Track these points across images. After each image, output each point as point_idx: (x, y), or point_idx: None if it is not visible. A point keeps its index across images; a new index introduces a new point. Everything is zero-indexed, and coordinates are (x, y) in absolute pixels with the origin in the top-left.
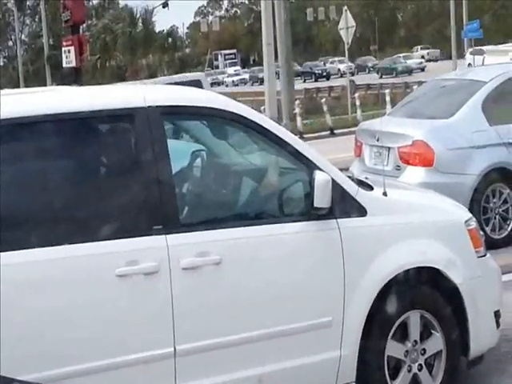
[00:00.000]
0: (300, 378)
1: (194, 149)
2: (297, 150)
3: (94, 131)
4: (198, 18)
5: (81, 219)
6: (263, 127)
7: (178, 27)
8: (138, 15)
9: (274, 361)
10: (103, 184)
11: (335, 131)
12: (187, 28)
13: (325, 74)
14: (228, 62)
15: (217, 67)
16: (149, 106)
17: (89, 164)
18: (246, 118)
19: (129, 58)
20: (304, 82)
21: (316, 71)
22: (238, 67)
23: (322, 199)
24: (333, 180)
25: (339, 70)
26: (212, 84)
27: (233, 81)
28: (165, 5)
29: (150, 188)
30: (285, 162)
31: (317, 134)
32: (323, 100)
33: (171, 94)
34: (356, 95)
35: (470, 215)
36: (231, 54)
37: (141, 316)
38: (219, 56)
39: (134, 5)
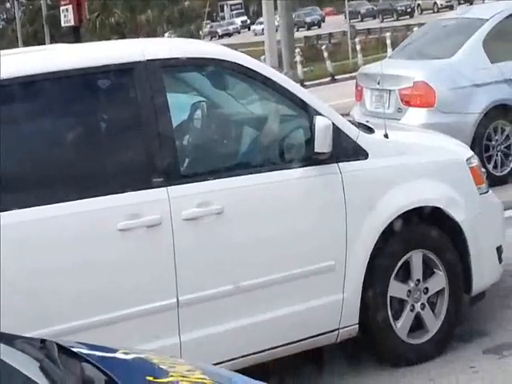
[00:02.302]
0: (303, 322)
1: (194, 100)
2: (297, 97)
3: (92, 87)
4: None
5: (81, 175)
6: (263, 75)
7: None
8: None
9: (277, 306)
10: (103, 139)
11: (336, 77)
12: None
13: (409, 9)
14: (234, 12)
15: (223, 18)
16: (148, 60)
17: (88, 120)
18: (245, 67)
19: (128, 15)
20: (382, 21)
21: (398, 8)
22: (245, 17)
23: (322, 144)
24: (333, 124)
25: (435, 3)
26: (222, 35)
27: (262, 29)
28: None
29: (150, 141)
30: (285, 109)
31: (318, 81)
32: (323, 47)
33: (170, 46)
34: (356, 40)
35: (472, 153)
36: (237, 4)
37: (144, 268)
38: (225, 7)
39: None
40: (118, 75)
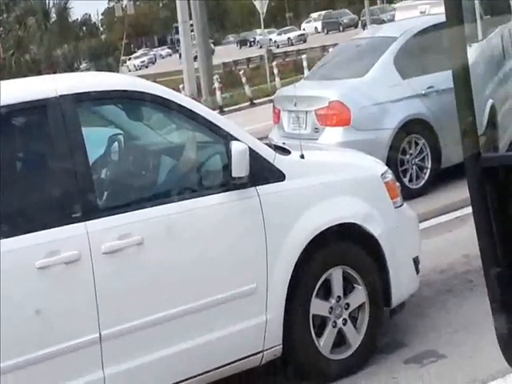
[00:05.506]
0: (228, 347)
1: (111, 133)
2: (212, 123)
3: (6, 126)
4: (112, 3)
5: None
6: (178, 104)
7: (90, 15)
8: (51, 5)
9: (201, 333)
10: (19, 178)
11: (255, 101)
12: (102, 14)
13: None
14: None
15: (178, 41)
16: (60, 95)
17: (3, 159)
18: (160, 97)
19: (44, 51)
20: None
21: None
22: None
23: (239, 168)
24: (250, 148)
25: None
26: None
27: (274, 41)
28: None
29: (67, 177)
30: (201, 136)
31: (237, 107)
32: (241, 72)
33: (83, 80)
34: (274, 63)
35: (386, 168)
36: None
37: (64, 305)
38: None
39: None
40: (31, 113)
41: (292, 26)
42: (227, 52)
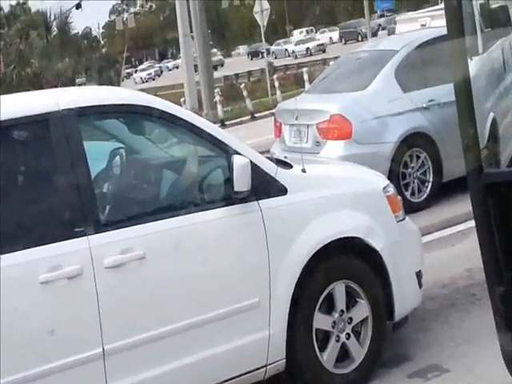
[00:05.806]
0: (231, 362)
1: (113, 147)
2: (214, 137)
3: (9, 140)
4: (113, 17)
5: (1, 230)
6: (180, 118)
7: (91, 28)
8: (52, 18)
9: (204, 348)
10: (22, 192)
11: (256, 115)
12: (102, 28)
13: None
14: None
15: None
16: (62, 110)
17: (6, 173)
18: (162, 111)
19: (45, 64)
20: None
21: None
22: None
23: (241, 183)
24: (251, 162)
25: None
26: (215, 67)
27: (292, 51)
28: (78, 6)
29: (69, 192)
30: (203, 150)
31: (238, 120)
32: (242, 85)
33: (85, 94)
34: (275, 77)
35: (388, 182)
36: None
37: (67, 320)
38: None
39: (46, 9)
40: (33, 127)
41: (310, 36)
42: (239, 63)
